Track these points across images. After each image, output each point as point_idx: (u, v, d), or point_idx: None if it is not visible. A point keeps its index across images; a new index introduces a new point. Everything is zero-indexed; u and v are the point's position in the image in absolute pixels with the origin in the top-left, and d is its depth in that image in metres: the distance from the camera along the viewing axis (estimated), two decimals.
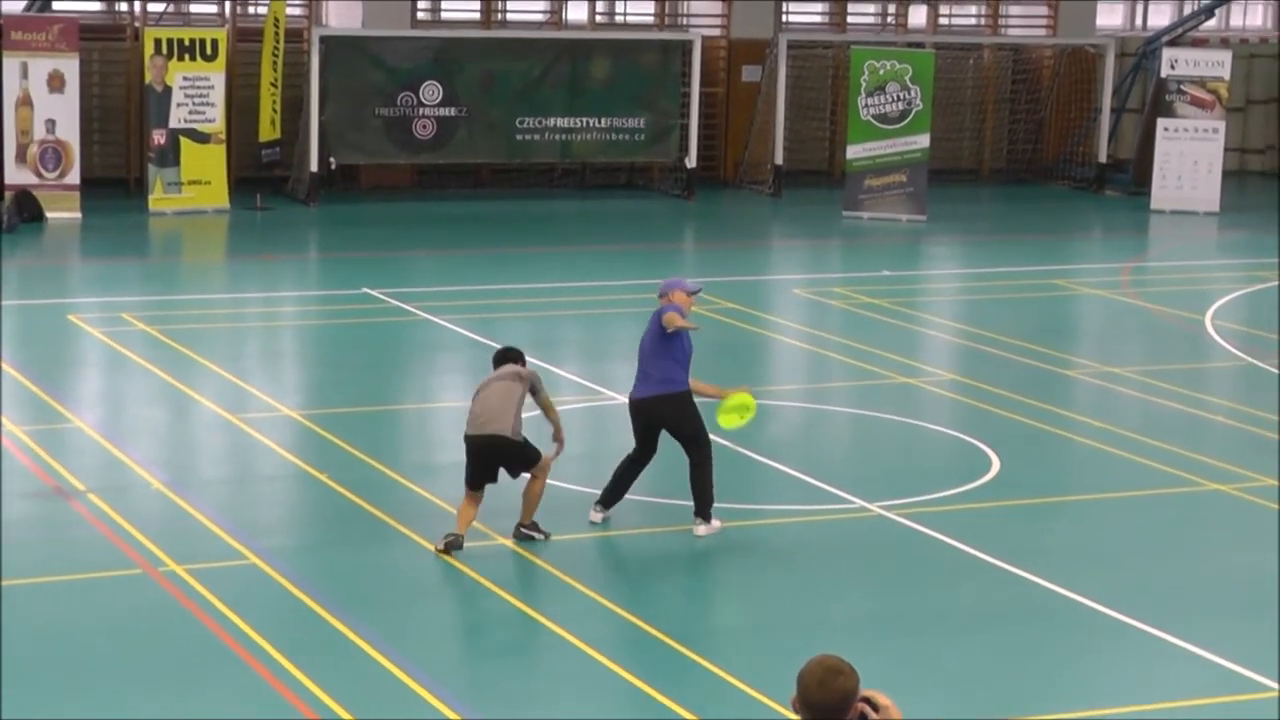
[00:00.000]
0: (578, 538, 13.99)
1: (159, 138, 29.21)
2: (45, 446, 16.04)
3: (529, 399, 13.88)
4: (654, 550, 13.92)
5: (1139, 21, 39.50)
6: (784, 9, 35.83)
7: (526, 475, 13.82)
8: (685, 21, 35.80)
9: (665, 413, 13.95)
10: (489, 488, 13.75)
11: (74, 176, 28.87)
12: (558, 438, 14.12)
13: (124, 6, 32.40)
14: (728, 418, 14.24)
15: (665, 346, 13.95)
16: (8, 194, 28.16)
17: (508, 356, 14.15)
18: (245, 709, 10.81)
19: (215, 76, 29.53)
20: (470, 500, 13.66)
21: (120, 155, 31.91)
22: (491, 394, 13.73)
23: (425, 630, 12.30)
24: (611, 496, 14.25)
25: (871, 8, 37.41)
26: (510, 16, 34.77)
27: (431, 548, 13.54)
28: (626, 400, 14.31)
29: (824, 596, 13.03)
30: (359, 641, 11.77)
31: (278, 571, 13.05)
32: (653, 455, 14.16)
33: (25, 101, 28.59)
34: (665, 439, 14.12)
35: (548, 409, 14.13)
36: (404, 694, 11.02)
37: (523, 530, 13.80)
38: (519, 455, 13.77)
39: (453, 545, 13.48)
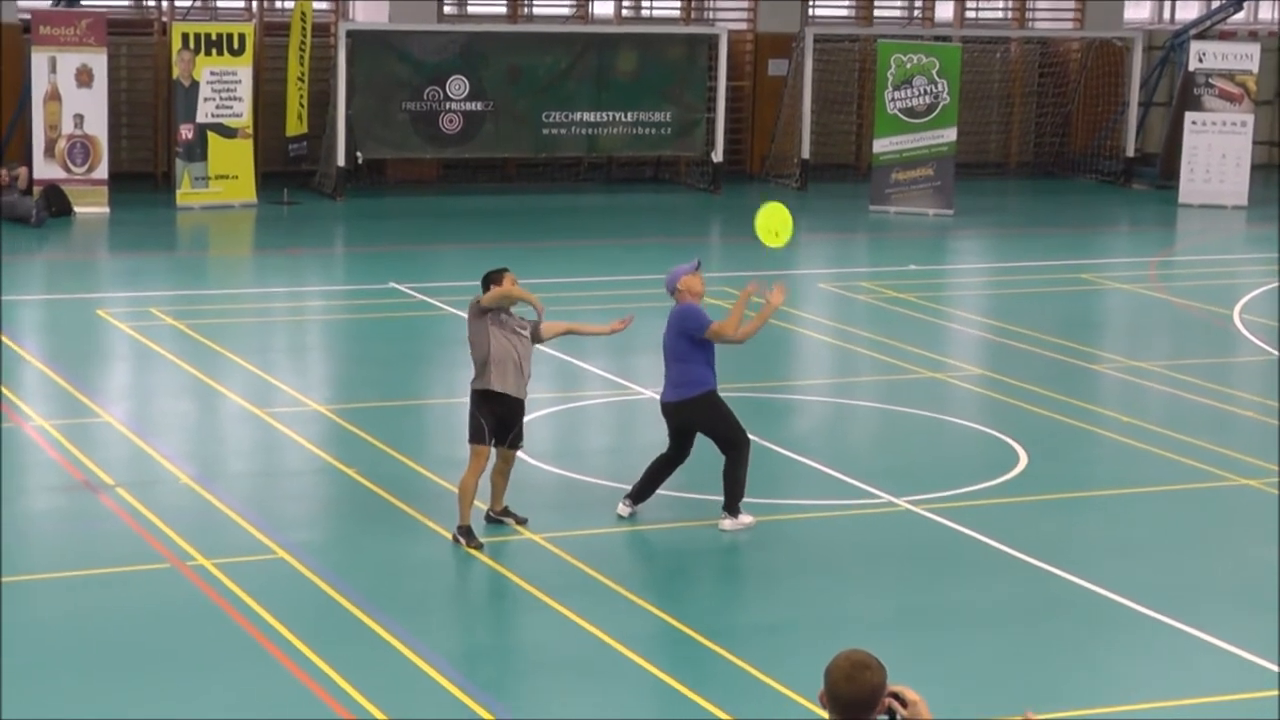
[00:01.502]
0: (605, 532, 14.00)
1: (186, 132, 29.27)
2: (74, 441, 16.09)
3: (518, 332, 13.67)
4: (682, 545, 13.92)
5: (1166, 14, 39.40)
6: (810, 2, 35.79)
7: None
8: (711, 15, 35.79)
9: (694, 417, 13.90)
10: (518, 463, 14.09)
11: (102, 171, 28.94)
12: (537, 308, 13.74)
13: (152, 1, 32.46)
14: (772, 237, 14.21)
15: (689, 348, 13.84)
16: (36, 189, 28.25)
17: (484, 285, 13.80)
18: (273, 703, 10.84)
19: (242, 71, 29.58)
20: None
21: (148, 150, 31.99)
22: None
23: (453, 624, 12.32)
24: (642, 492, 14.22)
25: (898, 1, 37.35)
26: (536, 10, 34.78)
27: (459, 541, 13.55)
28: (654, 395, 14.30)
29: (851, 591, 13.03)
30: (386, 635, 11.79)
31: (306, 566, 13.08)
32: (687, 456, 14.14)
33: (54, 96, 28.67)
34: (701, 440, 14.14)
35: (521, 298, 13.61)
36: (432, 688, 11.03)
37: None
38: None
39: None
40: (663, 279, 14.42)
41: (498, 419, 13.56)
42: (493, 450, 13.63)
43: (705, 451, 14.23)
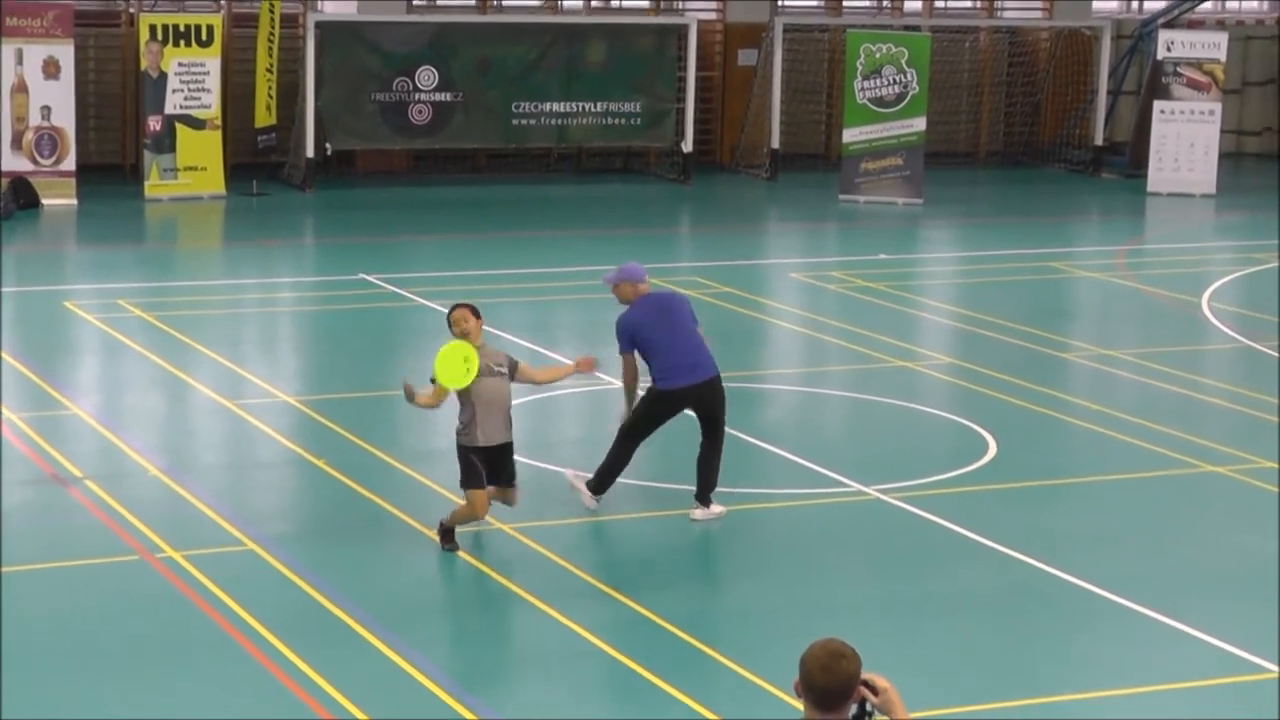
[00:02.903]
0: (576, 522, 13.97)
1: (155, 124, 29.18)
2: (42, 433, 16.03)
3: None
4: (652, 535, 13.91)
5: (1135, 4, 39.47)
6: None
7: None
8: (681, 5, 35.76)
9: (718, 395, 13.96)
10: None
11: (70, 163, 28.84)
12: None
13: None
14: (454, 376, 13.12)
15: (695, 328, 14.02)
16: (3, 181, 28.13)
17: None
18: (243, 695, 10.81)
19: (211, 62, 29.49)
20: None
21: (116, 142, 31.88)
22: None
23: (424, 616, 12.28)
24: (605, 481, 14.12)
25: None
26: (506, 1, 34.73)
27: (429, 533, 13.51)
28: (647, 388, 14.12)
29: (822, 580, 13.03)
30: (357, 627, 11.76)
31: (276, 558, 13.04)
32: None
33: (21, 88, 28.55)
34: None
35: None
36: (403, 681, 11.01)
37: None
38: None
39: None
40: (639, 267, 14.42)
41: (489, 465, 13.10)
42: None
43: (670, 442, 14.21)
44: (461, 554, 13.17)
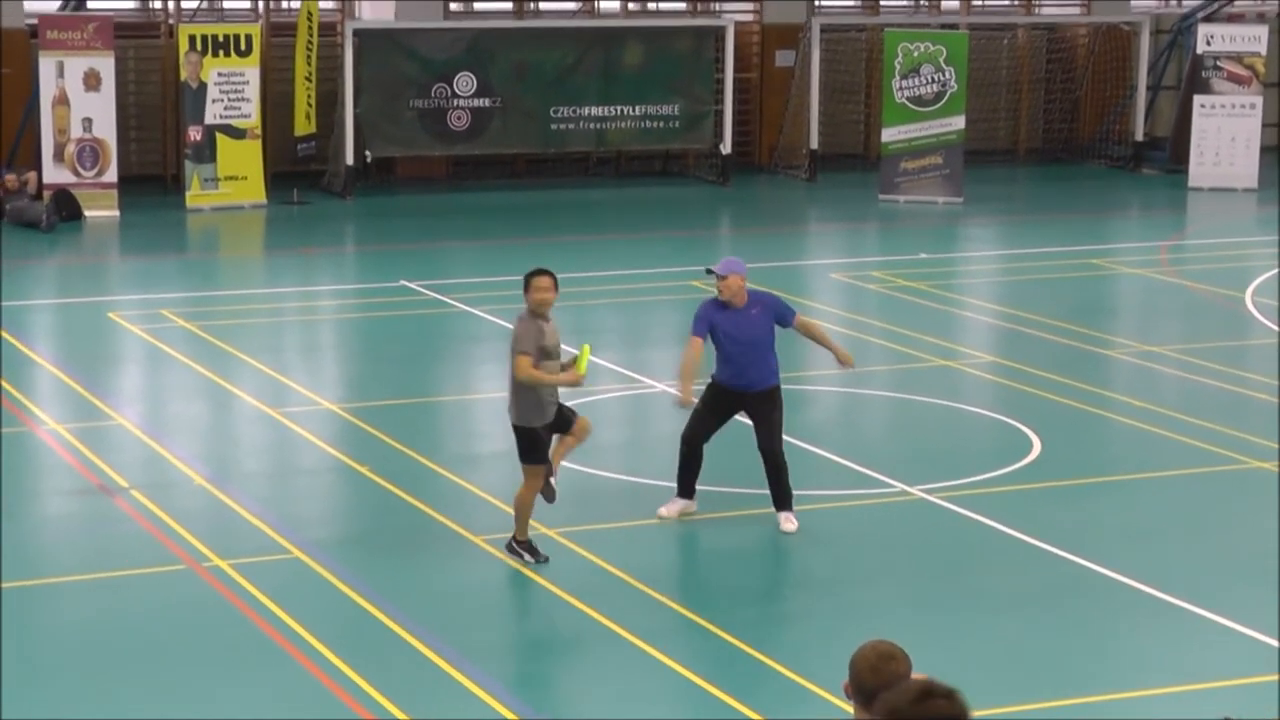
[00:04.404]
0: (618, 526, 13.98)
1: (195, 134, 29.28)
2: (88, 444, 16.11)
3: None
4: (696, 538, 13.91)
5: None
6: None
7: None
8: (717, 7, 35.74)
9: (777, 403, 14.05)
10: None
11: (111, 174, 28.96)
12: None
13: (158, 4, 32.47)
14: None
15: (773, 337, 14.17)
16: (46, 193, 28.26)
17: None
18: (291, 702, 10.84)
19: (250, 72, 29.59)
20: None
21: (157, 152, 31.99)
22: None
23: (469, 620, 12.30)
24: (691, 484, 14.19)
25: None
26: (543, 6, 34.77)
27: (474, 539, 13.54)
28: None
29: (868, 581, 13.02)
30: (402, 633, 11.79)
31: (321, 565, 13.08)
32: None
33: (62, 100, 28.68)
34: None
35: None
36: (449, 686, 11.03)
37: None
38: None
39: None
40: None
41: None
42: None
43: (723, 444, 14.21)
44: (505, 557, 13.18)
